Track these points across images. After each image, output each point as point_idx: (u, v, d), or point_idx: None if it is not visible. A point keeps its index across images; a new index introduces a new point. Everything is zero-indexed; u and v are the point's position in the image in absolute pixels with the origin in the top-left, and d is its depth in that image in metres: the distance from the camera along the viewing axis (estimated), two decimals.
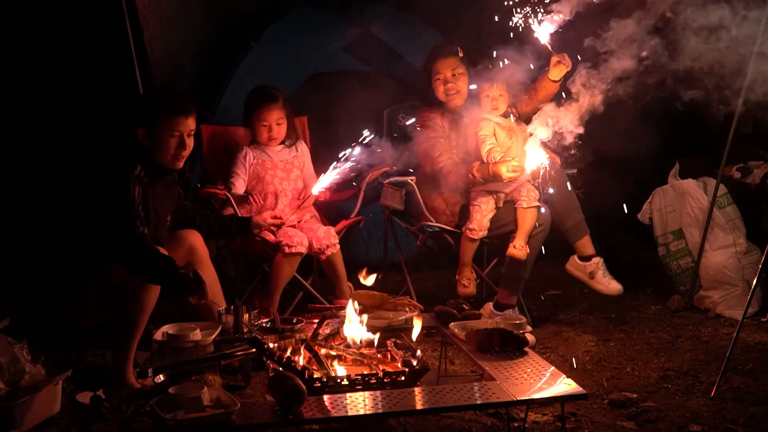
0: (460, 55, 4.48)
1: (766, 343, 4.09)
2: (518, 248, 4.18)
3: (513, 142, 4.30)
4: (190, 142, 3.51)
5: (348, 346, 3.13)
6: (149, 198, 3.48)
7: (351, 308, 3.20)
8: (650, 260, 4.94)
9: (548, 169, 4.24)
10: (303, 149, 4.56)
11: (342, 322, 3.21)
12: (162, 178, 3.56)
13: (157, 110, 3.47)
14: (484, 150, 4.24)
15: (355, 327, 3.16)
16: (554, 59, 4.20)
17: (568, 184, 4.38)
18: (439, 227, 4.41)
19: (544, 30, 4.03)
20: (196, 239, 3.75)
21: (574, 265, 4.50)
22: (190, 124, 3.49)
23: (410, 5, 5.61)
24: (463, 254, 4.35)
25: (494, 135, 4.31)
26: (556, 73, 4.24)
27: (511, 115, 4.42)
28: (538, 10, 3.98)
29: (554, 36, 4.05)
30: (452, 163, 4.39)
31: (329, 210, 4.65)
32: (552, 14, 3.95)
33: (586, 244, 4.45)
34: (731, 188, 4.75)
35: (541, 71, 4.30)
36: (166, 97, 3.58)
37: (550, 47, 4.09)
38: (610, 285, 4.42)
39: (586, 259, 4.45)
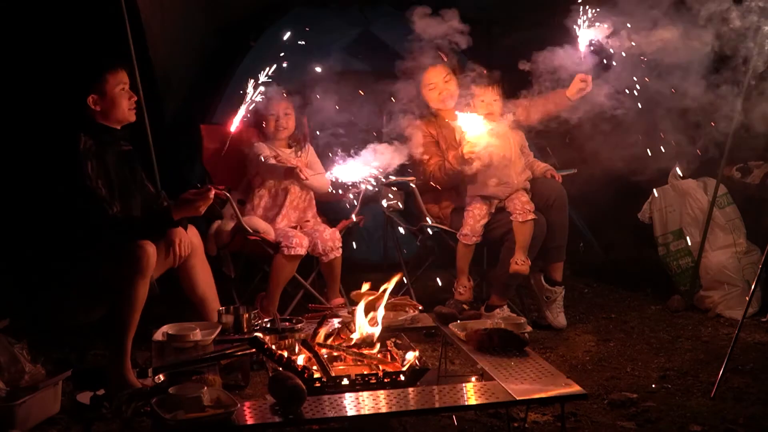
0: (445, 60, 4.49)
1: (766, 343, 4.09)
2: (520, 263, 4.17)
3: (505, 147, 4.27)
4: (132, 93, 3.62)
5: (352, 345, 3.14)
6: (103, 169, 3.48)
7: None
8: (650, 260, 4.94)
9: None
10: (310, 150, 4.55)
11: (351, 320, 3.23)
12: (110, 144, 3.57)
13: (103, 69, 3.55)
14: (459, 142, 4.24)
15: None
16: (578, 77, 4.17)
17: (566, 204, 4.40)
18: (438, 227, 4.42)
19: (585, 37, 4.02)
20: (191, 233, 3.74)
21: (537, 283, 4.47)
22: (126, 76, 3.62)
23: (410, 5, 5.61)
24: (459, 261, 4.37)
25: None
26: (575, 92, 4.21)
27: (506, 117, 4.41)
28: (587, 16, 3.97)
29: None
30: (440, 166, 4.39)
31: (329, 210, 4.65)
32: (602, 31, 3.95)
33: (558, 270, 4.46)
34: (731, 188, 4.75)
35: (555, 83, 4.27)
36: (103, 57, 3.71)
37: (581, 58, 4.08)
38: (557, 317, 4.41)
39: (552, 283, 4.44)
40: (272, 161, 4.34)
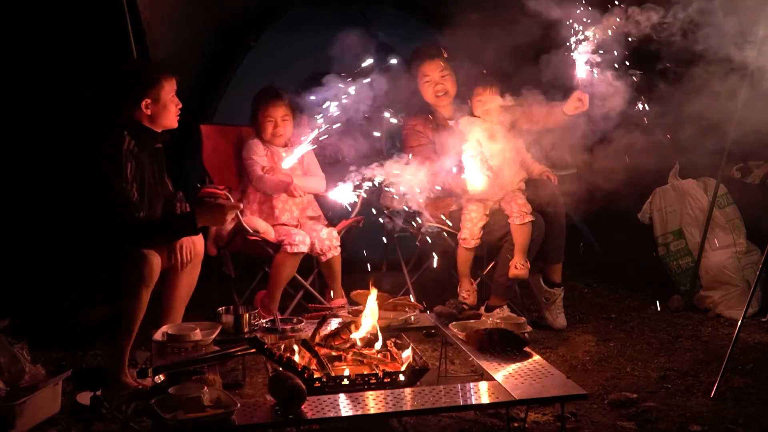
0: (445, 55, 4.50)
1: (766, 343, 4.09)
2: (519, 267, 4.17)
3: (499, 150, 4.27)
4: (179, 100, 3.68)
5: (353, 345, 3.14)
6: (140, 171, 3.50)
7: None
8: (650, 260, 4.94)
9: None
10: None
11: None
12: (149, 146, 3.60)
13: (159, 74, 3.59)
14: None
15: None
16: (576, 95, 4.17)
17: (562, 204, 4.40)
18: (438, 227, 4.42)
19: (582, 62, 4.03)
20: (196, 239, 3.74)
21: (536, 284, 4.46)
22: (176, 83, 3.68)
23: (410, 5, 5.61)
24: (460, 265, 4.37)
25: (478, 142, 4.29)
26: (572, 108, 4.20)
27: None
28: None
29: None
30: (421, 151, 4.39)
31: (329, 210, 4.65)
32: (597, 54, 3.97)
33: (557, 271, 4.46)
34: (731, 188, 4.75)
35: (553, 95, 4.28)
36: (160, 63, 3.90)
37: (579, 81, 4.09)
38: (557, 319, 4.40)
39: (551, 284, 4.43)
40: (263, 169, 4.35)
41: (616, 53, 3.99)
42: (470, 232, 4.29)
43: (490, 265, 4.56)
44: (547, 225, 4.30)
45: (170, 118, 3.62)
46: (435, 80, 4.49)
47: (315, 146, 4.38)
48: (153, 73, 3.60)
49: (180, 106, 3.65)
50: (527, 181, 4.41)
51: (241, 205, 3.62)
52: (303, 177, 4.41)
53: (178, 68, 5.03)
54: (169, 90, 3.58)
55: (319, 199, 4.55)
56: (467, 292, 4.33)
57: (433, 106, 4.56)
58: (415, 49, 4.65)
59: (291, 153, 4.45)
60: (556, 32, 4.06)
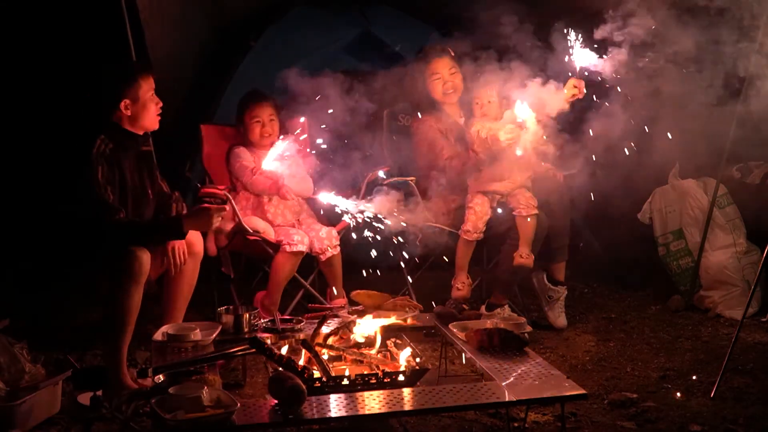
0: (452, 54, 4.52)
1: (766, 343, 4.09)
2: (524, 257, 4.17)
3: (507, 147, 4.27)
4: (158, 99, 3.65)
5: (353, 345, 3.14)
6: (118, 173, 3.49)
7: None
8: (650, 260, 4.94)
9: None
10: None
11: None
12: (131, 148, 3.59)
13: (137, 74, 3.57)
14: (477, 133, 4.24)
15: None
16: (571, 83, 4.17)
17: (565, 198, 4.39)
18: (438, 227, 4.42)
19: (581, 53, 4.02)
20: (196, 239, 3.74)
21: (540, 281, 4.46)
22: (153, 81, 3.65)
23: (410, 5, 5.62)
24: (458, 257, 4.36)
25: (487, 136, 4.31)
26: (568, 96, 4.17)
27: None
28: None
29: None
30: (456, 155, 4.41)
31: (329, 209, 4.64)
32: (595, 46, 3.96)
33: (561, 270, 4.47)
34: (731, 188, 4.75)
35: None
36: (136, 63, 3.91)
37: (576, 69, 4.07)
38: (558, 318, 4.40)
39: (554, 282, 4.44)
40: (253, 170, 4.34)
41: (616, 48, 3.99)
42: (474, 225, 4.29)
43: (491, 265, 4.56)
44: (552, 223, 4.30)
45: (150, 118, 3.59)
46: (444, 78, 4.51)
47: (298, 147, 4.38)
48: (129, 72, 3.58)
49: (160, 104, 3.62)
50: (533, 179, 4.42)
51: (227, 207, 3.56)
52: (291, 179, 4.39)
53: (178, 68, 5.09)
54: (147, 89, 3.55)
55: (313, 202, 4.54)
56: (461, 284, 4.33)
57: (440, 103, 4.58)
58: (422, 48, 4.66)
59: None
60: (555, 25, 4.07)
